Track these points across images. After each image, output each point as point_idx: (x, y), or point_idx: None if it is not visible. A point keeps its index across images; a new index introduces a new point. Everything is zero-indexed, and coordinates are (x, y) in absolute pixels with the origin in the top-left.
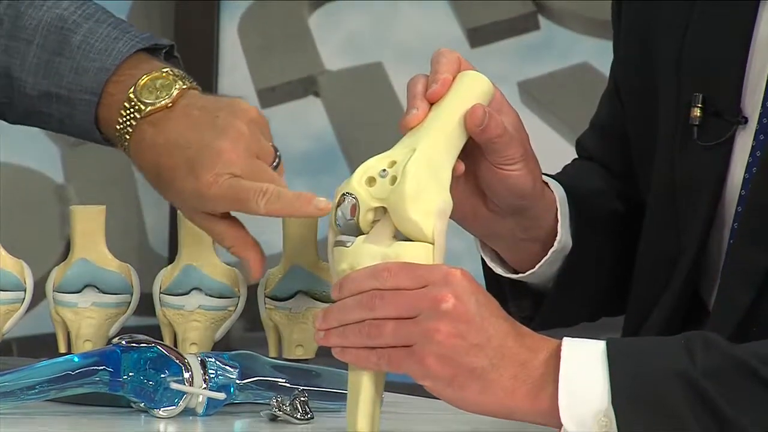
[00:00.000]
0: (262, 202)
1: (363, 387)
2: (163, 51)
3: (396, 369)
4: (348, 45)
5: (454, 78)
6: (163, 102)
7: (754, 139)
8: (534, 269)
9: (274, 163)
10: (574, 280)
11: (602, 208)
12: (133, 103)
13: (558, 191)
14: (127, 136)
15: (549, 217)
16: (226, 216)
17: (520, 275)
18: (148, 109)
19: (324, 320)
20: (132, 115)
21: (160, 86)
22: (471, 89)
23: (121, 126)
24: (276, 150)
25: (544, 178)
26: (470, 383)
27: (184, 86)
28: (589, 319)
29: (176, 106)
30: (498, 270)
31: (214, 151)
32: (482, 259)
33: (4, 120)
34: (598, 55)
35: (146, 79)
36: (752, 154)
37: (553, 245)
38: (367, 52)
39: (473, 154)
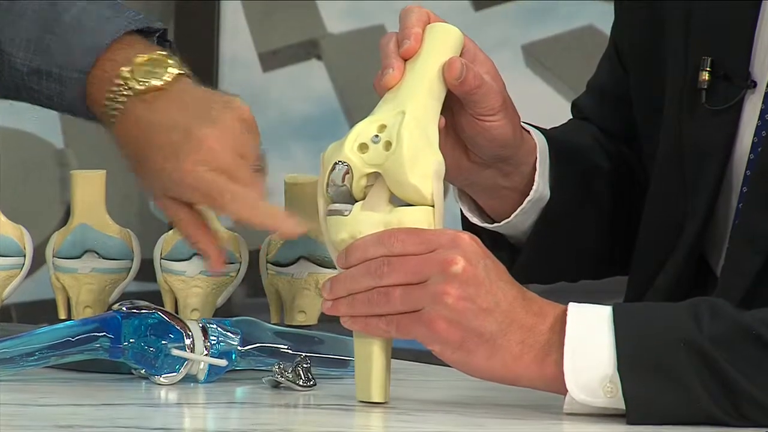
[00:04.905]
0: (232, 206)
1: (374, 356)
2: (156, 35)
3: (405, 335)
4: (350, 8)
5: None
6: (158, 83)
7: (763, 103)
8: (510, 218)
9: (257, 166)
10: (551, 234)
11: (585, 162)
12: (127, 80)
13: (539, 141)
14: (115, 111)
15: (529, 163)
16: (191, 206)
17: (496, 225)
18: (141, 87)
19: (331, 290)
20: (123, 93)
21: (156, 67)
22: (444, 41)
23: (110, 101)
24: (263, 154)
25: (526, 126)
26: (478, 348)
27: (180, 72)
28: (568, 279)
29: (171, 89)
30: (474, 220)
31: (198, 138)
32: (461, 210)
33: None
34: (603, 18)
35: (143, 59)
36: (761, 117)
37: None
38: (370, 15)
39: (452, 108)
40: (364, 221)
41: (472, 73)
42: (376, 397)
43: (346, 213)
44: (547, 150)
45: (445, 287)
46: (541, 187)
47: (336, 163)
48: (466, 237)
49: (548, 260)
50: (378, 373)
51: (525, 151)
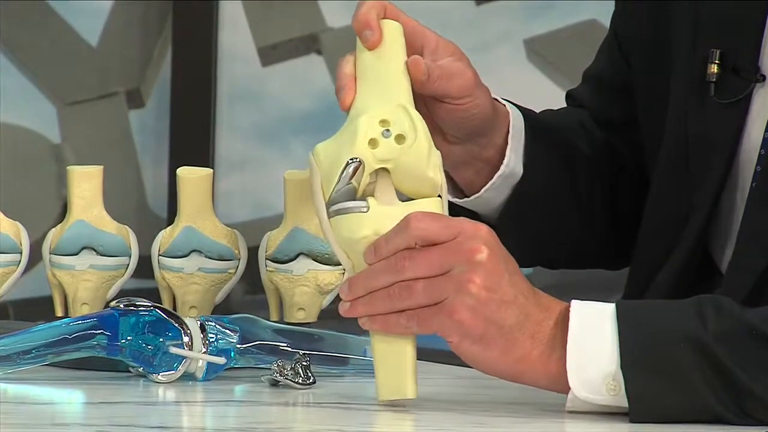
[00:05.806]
0: None
1: (407, 349)
2: None
3: (425, 328)
4: (351, 2)
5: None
6: None
7: None
8: (480, 192)
9: None
10: (522, 213)
11: (564, 145)
12: None
13: (512, 111)
14: None
15: (502, 131)
16: None
17: (466, 200)
18: None
19: (350, 290)
20: None
21: None
22: (392, 38)
23: None
24: None
25: (498, 99)
26: (497, 340)
27: None
28: (544, 265)
29: None
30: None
31: None
32: None
33: None
34: (606, 12)
35: None
36: None
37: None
38: None
39: (425, 100)
40: (387, 216)
41: (432, 66)
42: (411, 394)
43: (365, 210)
44: (523, 126)
45: (471, 275)
46: (512, 163)
47: (350, 161)
48: (484, 227)
49: (519, 241)
50: (411, 367)
51: (499, 122)
